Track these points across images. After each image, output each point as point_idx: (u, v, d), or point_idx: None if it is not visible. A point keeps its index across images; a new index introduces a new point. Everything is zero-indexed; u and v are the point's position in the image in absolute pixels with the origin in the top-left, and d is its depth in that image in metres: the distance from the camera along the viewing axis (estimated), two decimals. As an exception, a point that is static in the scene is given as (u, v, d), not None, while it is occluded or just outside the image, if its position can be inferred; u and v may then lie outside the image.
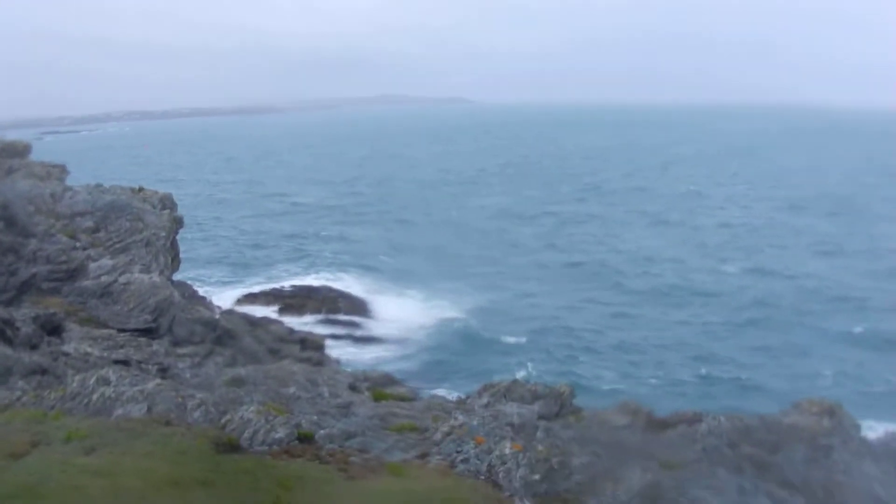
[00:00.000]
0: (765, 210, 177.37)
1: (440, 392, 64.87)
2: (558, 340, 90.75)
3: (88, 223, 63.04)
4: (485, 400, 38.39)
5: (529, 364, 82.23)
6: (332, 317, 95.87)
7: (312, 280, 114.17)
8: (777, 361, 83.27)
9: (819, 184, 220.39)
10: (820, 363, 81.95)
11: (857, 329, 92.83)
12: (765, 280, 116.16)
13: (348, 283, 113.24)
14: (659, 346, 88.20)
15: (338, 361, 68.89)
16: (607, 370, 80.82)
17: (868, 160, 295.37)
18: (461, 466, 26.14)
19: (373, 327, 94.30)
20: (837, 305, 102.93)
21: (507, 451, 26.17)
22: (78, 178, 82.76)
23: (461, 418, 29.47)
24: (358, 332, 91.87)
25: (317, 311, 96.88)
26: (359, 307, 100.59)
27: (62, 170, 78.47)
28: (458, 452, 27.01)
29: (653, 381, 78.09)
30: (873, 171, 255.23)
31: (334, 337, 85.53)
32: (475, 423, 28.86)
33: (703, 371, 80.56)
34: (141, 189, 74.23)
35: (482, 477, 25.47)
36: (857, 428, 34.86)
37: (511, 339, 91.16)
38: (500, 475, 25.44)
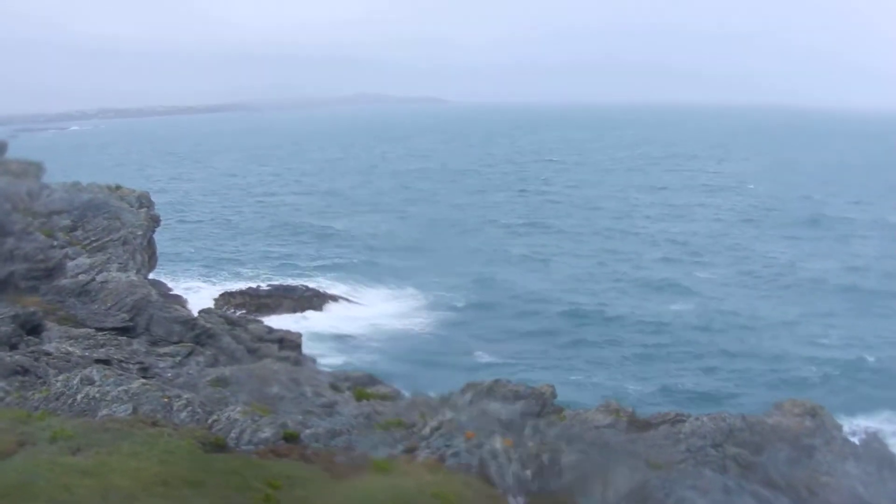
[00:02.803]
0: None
1: (419, 389, 64.77)
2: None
3: (66, 221, 62.68)
4: (468, 398, 38.51)
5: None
6: (309, 315, 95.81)
7: (289, 279, 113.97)
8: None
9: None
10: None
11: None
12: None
13: (324, 282, 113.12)
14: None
15: (314, 360, 68.73)
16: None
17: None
18: (451, 461, 26.19)
19: (350, 326, 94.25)
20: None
21: (499, 446, 26.27)
22: (54, 177, 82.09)
23: (449, 414, 29.57)
24: (335, 331, 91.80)
25: (294, 309, 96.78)
26: (336, 305, 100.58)
27: (39, 167, 77.82)
28: (447, 447, 27.06)
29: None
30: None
31: (311, 335, 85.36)
32: (464, 418, 28.97)
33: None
34: (118, 187, 73.88)
35: (473, 472, 25.53)
36: (840, 428, 35.19)
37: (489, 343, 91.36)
38: (492, 470, 25.52)
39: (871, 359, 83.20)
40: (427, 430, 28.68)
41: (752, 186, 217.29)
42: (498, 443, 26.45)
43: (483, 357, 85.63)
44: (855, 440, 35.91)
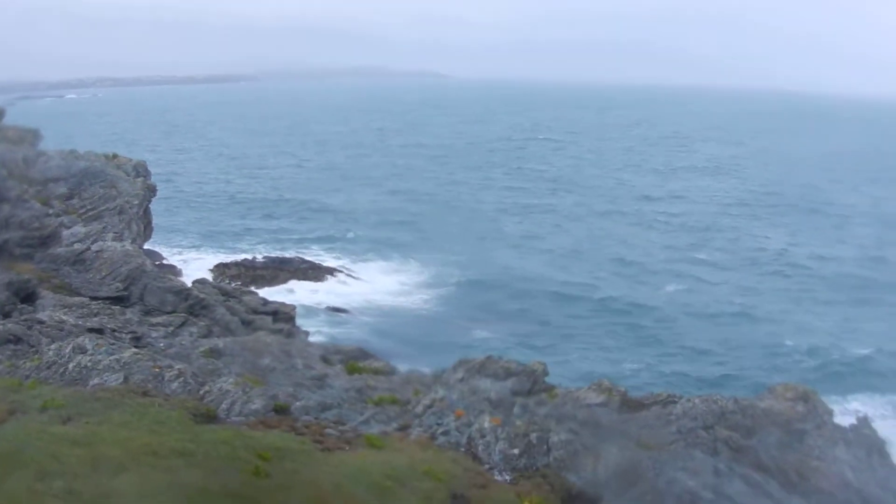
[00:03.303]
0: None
1: (412, 366, 64.85)
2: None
3: (62, 189, 62.58)
4: (460, 375, 38.58)
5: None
6: (304, 287, 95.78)
7: (285, 251, 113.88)
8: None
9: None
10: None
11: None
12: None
13: (320, 255, 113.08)
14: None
15: (307, 333, 68.80)
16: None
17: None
18: (441, 439, 26.32)
19: (345, 300, 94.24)
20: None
21: (487, 424, 26.40)
22: (50, 144, 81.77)
23: (441, 392, 29.65)
24: (330, 304, 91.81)
25: (289, 281, 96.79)
26: (331, 279, 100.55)
27: (35, 134, 77.58)
28: (438, 425, 27.19)
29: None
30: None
31: (305, 308, 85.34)
32: (455, 396, 29.06)
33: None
34: (115, 156, 73.73)
35: (462, 449, 25.67)
36: (831, 413, 35.23)
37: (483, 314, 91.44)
38: (480, 448, 25.67)
39: (863, 348, 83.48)
40: (420, 409, 28.77)
41: (748, 170, 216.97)
42: (486, 422, 26.57)
43: (477, 333, 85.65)
44: (845, 425, 35.97)
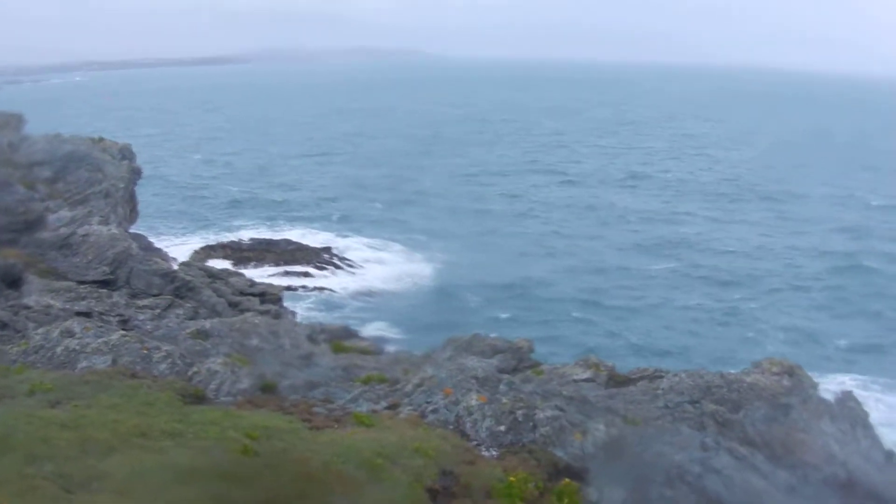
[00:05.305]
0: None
1: (397, 344, 65.34)
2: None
3: (47, 173, 62.42)
4: (448, 353, 38.79)
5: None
6: (290, 269, 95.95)
7: (271, 232, 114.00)
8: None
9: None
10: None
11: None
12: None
13: (305, 235, 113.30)
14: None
15: (294, 314, 68.96)
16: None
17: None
18: (431, 417, 26.52)
19: (331, 280, 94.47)
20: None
21: (474, 402, 26.62)
22: (35, 129, 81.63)
23: (430, 371, 29.82)
24: (316, 284, 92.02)
25: (275, 263, 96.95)
26: (317, 259, 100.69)
27: (19, 119, 77.22)
28: (427, 403, 27.38)
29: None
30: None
31: (292, 289, 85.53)
32: (443, 374, 29.22)
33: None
34: (101, 139, 73.50)
35: (451, 427, 25.91)
36: (815, 388, 35.43)
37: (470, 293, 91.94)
38: (468, 426, 25.90)
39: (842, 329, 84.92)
40: (410, 387, 28.94)
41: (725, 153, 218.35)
42: (473, 399, 26.79)
43: (466, 312, 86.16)
44: (830, 399, 36.22)
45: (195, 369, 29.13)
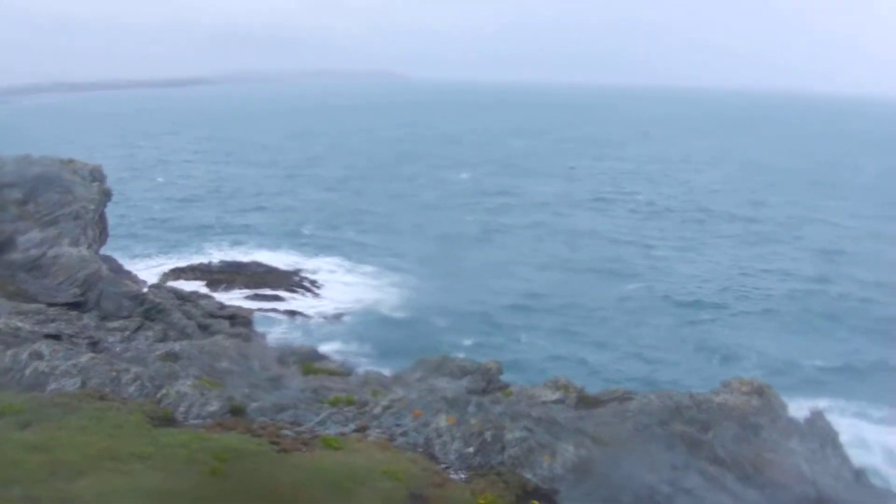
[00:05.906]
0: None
1: (366, 365, 65.44)
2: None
3: (17, 195, 62.12)
4: (418, 374, 38.98)
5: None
6: (260, 291, 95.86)
7: (240, 255, 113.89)
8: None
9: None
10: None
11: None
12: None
13: (276, 257, 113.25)
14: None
15: (264, 336, 68.95)
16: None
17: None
18: (400, 440, 26.54)
19: (301, 303, 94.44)
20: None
21: (443, 424, 26.67)
22: (4, 150, 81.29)
23: (400, 392, 29.93)
24: (285, 307, 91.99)
25: (245, 286, 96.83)
26: (287, 282, 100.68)
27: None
28: (397, 426, 27.41)
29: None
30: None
31: (262, 312, 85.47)
32: (414, 395, 29.32)
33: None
34: (71, 161, 73.21)
35: (420, 450, 25.96)
36: (785, 407, 35.75)
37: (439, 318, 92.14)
38: (437, 447, 25.95)
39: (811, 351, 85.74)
40: (378, 409, 28.99)
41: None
42: (442, 421, 26.87)
43: (437, 333, 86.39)
44: (800, 419, 36.53)
45: (164, 391, 29.14)
